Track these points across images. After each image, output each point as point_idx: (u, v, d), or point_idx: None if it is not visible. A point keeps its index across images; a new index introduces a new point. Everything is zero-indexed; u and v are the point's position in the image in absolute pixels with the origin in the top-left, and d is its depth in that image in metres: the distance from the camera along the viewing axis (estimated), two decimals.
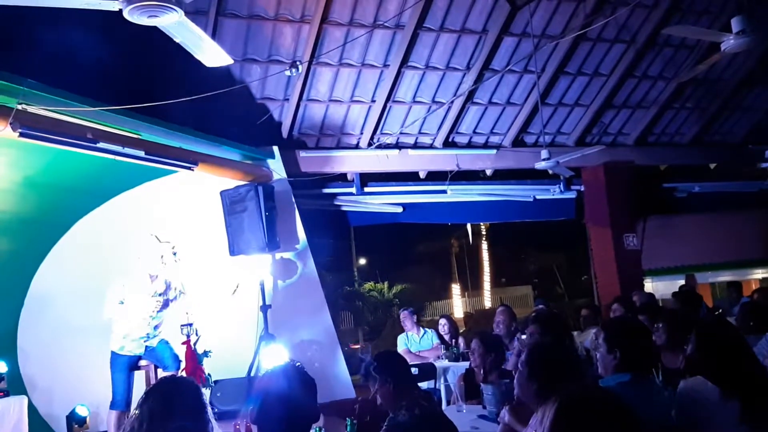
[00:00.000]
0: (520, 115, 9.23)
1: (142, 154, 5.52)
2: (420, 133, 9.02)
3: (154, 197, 6.82)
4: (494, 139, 9.49)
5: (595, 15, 7.95)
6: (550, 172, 8.85)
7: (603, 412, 1.76)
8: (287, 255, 7.41)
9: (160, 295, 5.88)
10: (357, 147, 8.78)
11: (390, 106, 8.49)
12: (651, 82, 9.48)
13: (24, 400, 5.37)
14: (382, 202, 9.32)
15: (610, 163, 9.79)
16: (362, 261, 22.07)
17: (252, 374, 6.24)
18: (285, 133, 8.27)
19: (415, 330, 7.74)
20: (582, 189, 10.19)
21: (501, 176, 9.88)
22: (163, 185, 6.79)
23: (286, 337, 6.72)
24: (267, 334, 6.54)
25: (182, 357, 5.85)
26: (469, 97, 8.77)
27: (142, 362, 5.90)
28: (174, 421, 2.22)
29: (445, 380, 6.91)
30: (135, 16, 2.97)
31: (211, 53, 3.75)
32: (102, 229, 6.58)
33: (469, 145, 9.42)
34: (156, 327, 5.91)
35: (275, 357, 6.09)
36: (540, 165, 7.76)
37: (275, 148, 7.69)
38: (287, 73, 6.93)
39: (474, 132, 9.32)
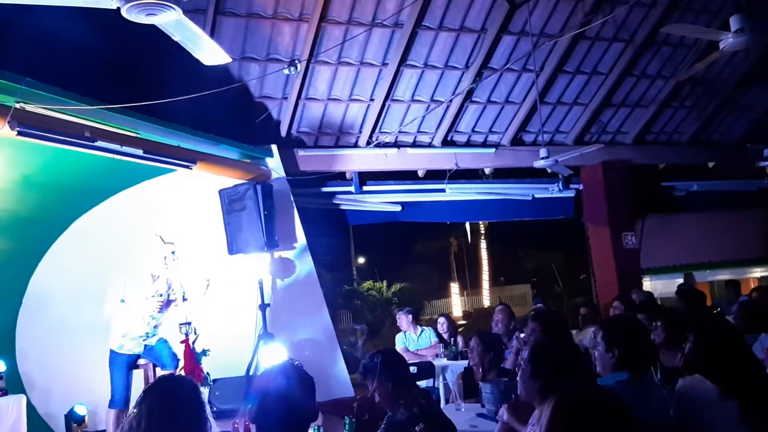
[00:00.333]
0: (519, 114, 9.23)
1: (140, 152, 5.51)
2: (419, 131, 9.02)
3: (152, 196, 6.81)
4: (493, 138, 9.49)
5: (593, 13, 7.95)
6: (549, 170, 8.85)
7: (600, 411, 1.76)
8: (286, 254, 7.40)
9: (160, 295, 5.88)
10: (356, 146, 8.78)
11: (389, 105, 8.49)
12: (649, 81, 9.49)
13: (22, 399, 5.36)
14: (381, 200, 9.32)
15: (609, 162, 9.80)
16: (361, 260, 22.07)
17: (251, 373, 6.24)
18: (284, 132, 8.26)
19: (412, 329, 7.74)
20: (580, 188, 10.19)
21: (500, 175, 9.89)
22: (161, 184, 6.78)
23: (285, 336, 6.71)
24: (266, 332, 6.53)
25: (181, 356, 5.84)
26: (468, 96, 8.77)
27: (141, 361, 5.90)
28: (172, 419, 2.22)
29: (444, 379, 6.91)
30: (133, 15, 2.97)
31: (209, 52, 3.74)
32: (100, 228, 6.57)
33: (468, 144, 9.42)
34: (155, 326, 5.91)
35: (274, 356, 6.08)
36: (539, 164, 7.76)
37: (274, 147, 7.69)
38: (286, 71, 6.94)
39: (473, 131, 9.32)
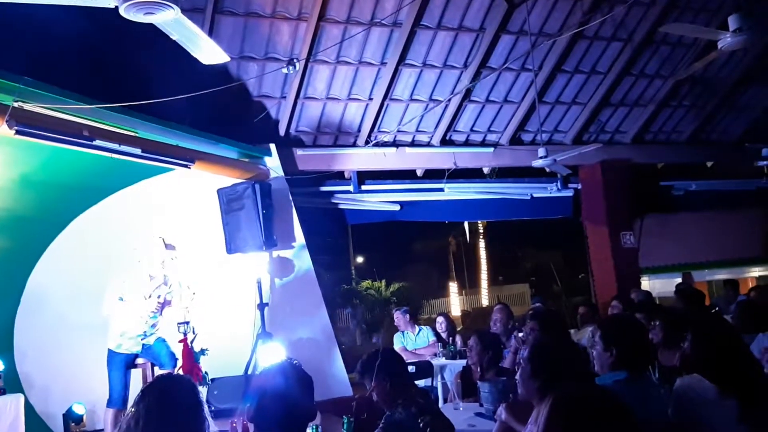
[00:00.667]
0: (518, 113, 9.23)
1: (138, 151, 5.51)
2: (417, 131, 9.02)
3: (151, 195, 6.81)
4: (491, 137, 9.49)
5: (592, 13, 7.95)
6: (548, 170, 8.85)
7: (598, 410, 1.75)
8: (284, 253, 7.40)
9: (158, 296, 5.88)
10: (354, 145, 8.77)
11: (387, 104, 8.49)
12: (648, 80, 9.49)
13: (20, 398, 5.35)
14: (380, 200, 9.31)
15: (607, 161, 9.80)
16: (360, 259, 22.07)
17: (249, 372, 6.24)
18: (282, 131, 8.26)
19: (409, 328, 7.75)
20: (579, 187, 10.19)
21: (498, 174, 9.89)
22: (159, 183, 6.78)
23: (284, 335, 6.71)
24: (264, 332, 6.53)
25: (179, 355, 5.84)
26: (467, 95, 8.76)
27: (139, 360, 5.91)
28: (170, 419, 2.22)
29: (442, 378, 6.92)
30: (131, 13, 2.97)
31: (207, 51, 3.74)
32: (99, 227, 6.56)
33: (467, 144, 9.42)
34: (153, 326, 5.91)
35: (272, 355, 6.08)
36: (537, 163, 7.75)
37: (272, 146, 7.69)
38: (284, 70, 6.94)
39: (471, 130, 9.32)
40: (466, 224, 22.76)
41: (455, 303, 23.74)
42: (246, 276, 6.99)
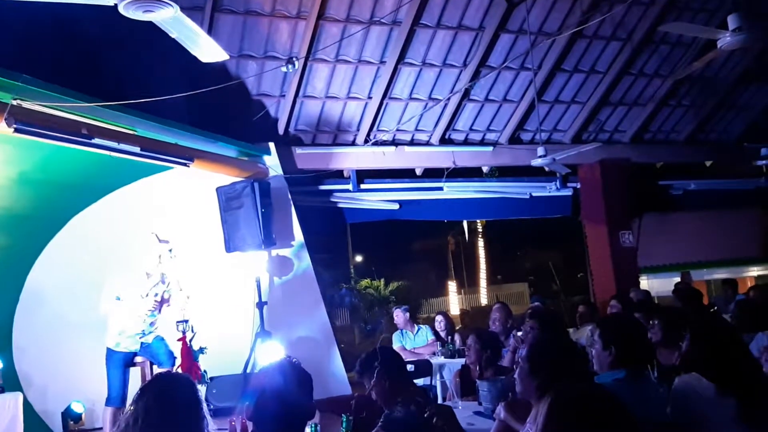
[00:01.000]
0: (517, 112, 9.23)
1: (137, 150, 5.51)
2: (417, 130, 9.02)
3: (149, 193, 6.81)
4: (491, 136, 9.49)
5: (591, 12, 7.95)
6: (547, 169, 8.85)
7: (597, 409, 1.75)
8: (283, 252, 7.40)
9: (156, 294, 5.88)
10: (353, 144, 8.77)
11: (386, 103, 8.49)
12: (647, 80, 9.49)
13: (19, 396, 5.35)
14: (379, 198, 9.31)
15: (607, 161, 9.80)
16: (359, 258, 22.05)
17: (248, 371, 6.24)
18: (281, 130, 8.25)
19: (408, 327, 7.75)
20: (578, 186, 10.19)
21: (497, 173, 9.89)
22: (158, 181, 6.78)
23: (282, 334, 6.72)
24: (263, 330, 6.54)
25: (178, 353, 5.84)
26: (466, 94, 8.76)
27: (138, 359, 5.90)
28: (169, 417, 2.21)
29: (441, 377, 6.91)
30: (130, 11, 2.97)
31: (206, 49, 3.74)
32: (97, 226, 6.56)
33: (466, 142, 9.42)
34: (152, 324, 5.91)
35: (271, 353, 6.09)
36: (536, 162, 7.76)
37: (271, 145, 7.69)
38: (283, 69, 6.94)
39: (470, 129, 9.32)
40: (465, 223, 22.73)
41: (454, 302, 23.74)
42: (245, 275, 7.00)
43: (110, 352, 5.76)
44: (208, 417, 2.32)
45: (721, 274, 11.38)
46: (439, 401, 6.08)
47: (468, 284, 25.31)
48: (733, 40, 5.14)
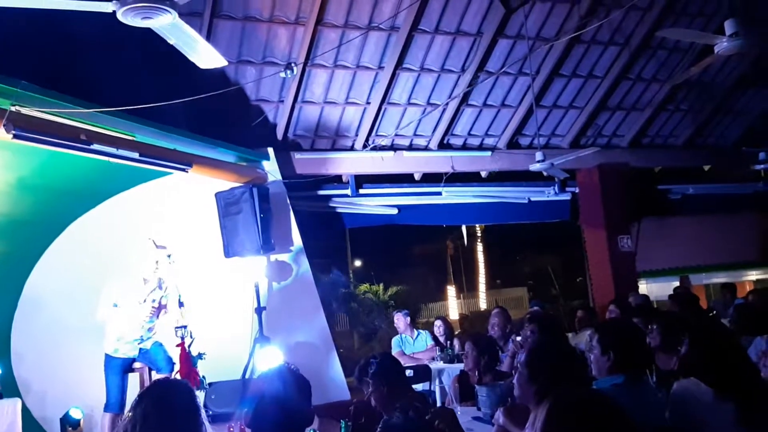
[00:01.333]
0: (515, 117, 9.25)
1: (136, 155, 5.51)
2: (415, 135, 9.03)
3: (148, 199, 6.80)
4: (489, 141, 9.50)
5: (589, 17, 7.98)
6: (545, 173, 8.85)
7: (596, 414, 1.75)
8: (282, 257, 7.39)
9: (153, 300, 5.87)
10: (352, 149, 8.78)
11: (385, 108, 8.50)
12: (645, 85, 9.52)
13: (17, 402, 5.33)
14: (378, 203, 9.31)
15: (605, 165, 9.81)
16: (357, 263, 22.03)
17: (246, 377, 6.23)
18: (280, 135, 8.26)
19: (408, 331, 7.74)
20: (576, 191, 10.20)
21: (496, 178, 9.89)
22: (157, 187, 6.77)
23: (281, 339, 6.70)
24: (261, 336, 6.52)
25: (176, 359, 5.83)
26: (464, 99, 8.78)
27: (136, 364, 5.89)
28: (168, 423, 2.21)
29: (440, 382, 6.91)
30: (129, 18, 2.98)
31: (205, 55, 3.75)
32: (96, 231, 6.55)
33: (464, 147, 9.43)
34: (150, 330, 5.90)
35: (270, 359, 6.08)
36: (535, 167, 7.77)
37: (270, 150, 7.69)
38: (282, 74, 6.95)
39: (469, 134, 9.33)
40: (463, 228, 22.73)
41: (453, 306, 23.71)
42: (243, 280, 6.99)
43: (108, 358, 5.75)
44: (206, 423, 2.32)
45: (719, 279, 11.41)
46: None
47: (467, 289, 25.28)
48: (730, 45, 5.16)
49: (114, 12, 2.95)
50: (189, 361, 5.81)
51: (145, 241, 5.91)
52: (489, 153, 9.42)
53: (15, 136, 4.54)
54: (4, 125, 4.45)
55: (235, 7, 6.98)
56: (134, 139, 5.69)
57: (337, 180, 9.02)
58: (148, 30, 3.19)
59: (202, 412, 2.32)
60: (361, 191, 9.14)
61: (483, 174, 9.74)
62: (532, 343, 3.69)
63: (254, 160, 7.49)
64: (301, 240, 7.54)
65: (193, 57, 3.72)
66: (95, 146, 5.13)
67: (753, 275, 12.28)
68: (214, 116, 6.92)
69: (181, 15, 3.11)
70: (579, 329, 7.22)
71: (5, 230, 5.99)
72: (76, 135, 5.02)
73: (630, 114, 9.87)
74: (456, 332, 8.49)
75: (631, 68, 9.15)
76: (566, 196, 10.29)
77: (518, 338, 5.24)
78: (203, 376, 5.96)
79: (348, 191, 9.05)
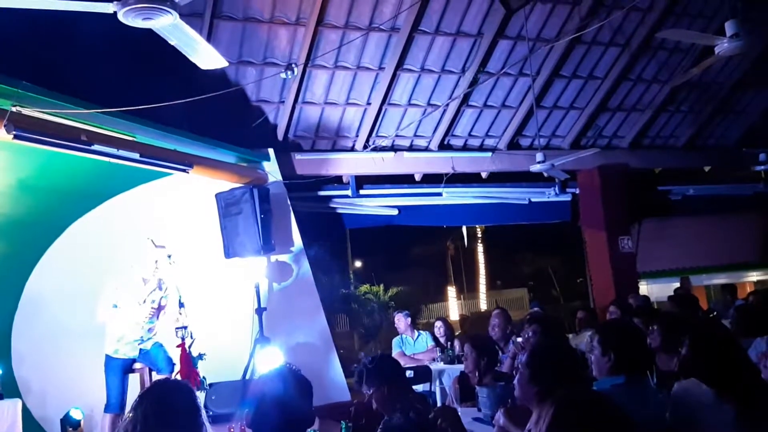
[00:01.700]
0: (516, 118, 9.25)
1: (136, 156, 5.51)
2: (415, 135, 9.03)
3: (149, 200, 6.80)
4: (489, 142, 9.50)
5: (589, 18, 7.98)
6: (545, 174, 8.85)
7: (599, 415, 1.76)
8: (282, 257, 7.39)
9: (153, 301, 5.87)
10: (352, 149, 8.78)
11: (385, 109, 8.50)
12: (645, 86, 9.52)
13: (18, 403, 5.34)
14: (378, 204, 9.31)
15: (605, 166, 9.81)
16: (358, 264, 22.04)
17: (247, 377, 6.23)
18: (280, 136, 8.26)
19: (409, 332, 7.73)
20: (577, 192, 10.21)
21: (496, 179, 9.89)
22: (158, 188, 6.77)
23: (281, 340, 6.70)
24: (262, 336, 6.52)
25: (177, 360, 5.83)
26: (465, 100, 8.78)
27: (137, 365, 5.89)
28: (168, 424, 2.21)
29: (441, 383, 6.90)
30: (130, 19, 2.98)
31: (206, 55, 3.75)
32: (97, 232, 6.55)
33: (465, 148, 9.43)
34: (150, 330, 5.90)
35: (270, 360, 6.08)
36: (535, 168, 7.77)
37: (270, 151, 7.69)
38: (282, 75, 6.94)
39: (469, 135, 9.33)
40: (464, 229, 22.74)
41: (453, 307, 23.72)
42: (244, 280, 6.98)
43: (109, 359, 5.75)
44: (207, 423, 2.32)
45: (720, 280, 11.41)
46: None
47: (467, 290, 25.29)
48: (730, 46, 5.16)
49: (115, 13, 2.95)
50: (189, 361, 5.81)
51: (144, 242, 5.91)
52: (489, 154, 9.42)
53: (15, 137, 4.54)
54: (4, 126, 4.45)
55: (235, 7, 6.98)
56: (135, 139, 5.69)
57: (337, 181, 9.02)
58: (149, 31, 3.19)
59: (203, 412, 2.32)
60: (362, 192, 9.15)
61: (483, 175, 9.75)
62: (533, 344, 3.69)
63: (255, 160, 7.49)
64: (302, 241, 7.54)
65: (193, 58, 3.72)
66: (96, 147, 5.12)
67: (753, 276, 12.28)
68: (214, 117, 6.92)
69: (181, 16, 3.11)
70: (579, 330, 7.22)
71: (6, 231, 5.99)
72: (77, 135, 5.02)
73: (630, 115, 9.88)
74: (456, 333, 8.48)
75: (631, 69, 9.15)
76: (567, 197, 10.29)
77: (519, 339, 5.24)
78: (203, 377, 5.96)
79: (348, 192, 9.05)
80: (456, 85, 8.53)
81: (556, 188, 10.11)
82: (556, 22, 8.22)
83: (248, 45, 7.33)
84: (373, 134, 8.70)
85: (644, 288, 10.66)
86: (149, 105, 5.13)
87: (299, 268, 7.47)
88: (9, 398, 5.44)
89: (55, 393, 6.20)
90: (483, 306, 23.80)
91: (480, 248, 24.77)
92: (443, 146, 9.23)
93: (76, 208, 6.54)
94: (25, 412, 5.57)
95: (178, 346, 5.83)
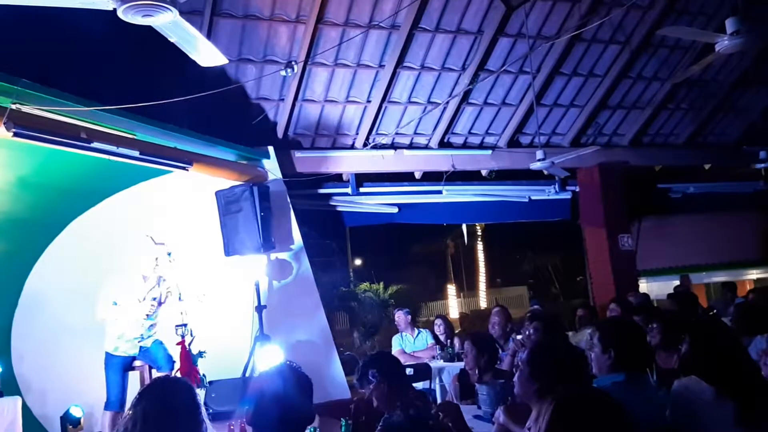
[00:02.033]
0: (516, 116, 9.24)
1: (136, 154, 5.51)
2: (415, 133, 9.02)
3: (148, 197, 6.80)
4: (489, 140, 9.50)
5: (590, 16, 7.97)
6: (546, 172, 8.86)
7: (599, 413, 1.76)
8: (282, 255, 7.39)
9: (153, 299, 5.87)
10: (352, 147, 8.78)
11: (385, 107, 8.49)
12: (646, 83, 9.51)
13: (18, 400, 5.34)
14: (378, 202, 9.31)
15: (605, 164, 9.81)
16: (358, 261, 22.03)
17: (247, 375, 6.23)
18: (280, 134, 8.26)
19: (409, 330, 7.73)
20: (577, 189, 10.20)
21: (496, 177, 9.89)
22: (157, 185, 6.77)
23: (281, 338, 6.71)
24: (262, 334, 6.53)
25: (177, 357, 5.83)
26: (465, 98, 8.77)
27: (137, 363, 5.89)
28: (168, 421, 2.21)
29: (441, 380, 6.90)
30: (129, 16, 2.97)
31: (206, 53, 3.74)
32: (96, 230, 6.55)
33: (465, 146, 9.42)
34: (150, 327, 5.90)
35: (270, 357, 6.08)
36: (535, 165, 7.77)
37: (270, 149, 7.69)
38: (282, 73, 6.94)
39: (469, 132, 9.33)
40: (464, 227, 22.74)
41: (453, 305, 23.71)
42: (244, 278, 6.98)
43: (109, 357, 5.75)
44: (207, 421, 2.32)
45: (720, 278, 11.40)
46: None
47: (467, 287, 25.28)
48: (731, 43, 5.15)
49: (115, 10, 2.94)
50: (189, 359, 5.81)
51: (144, 239, 5.91)
52: (489, 152, 9.42)
53: (15, 135, 4.54)
54: (4, 123, 4.45)
55: (235, 5, 6.98)
56: (134, 137, 5.69)
57: (337, 178, 9.02)
58: (149, 28, 3.18)
59: (203, 410, 2.32)
60: (362, 190, 9.15)
61: (483, 173, 9.75)
62: (534, 341, 3.69)
63: (255, 158, 7.49)
64: (302, 238, 7.54)
65: (193, 55, 3.72)
66: (95, 144, 5.12)
67: (753, 274, 12.27)
68: (214, 114, 6.91)
69: (181, 13, 3.10)
70: (579, 328, 7.22)
71: (6, 229, 5.99)
72: (77, 133, 5.02)
73: (630, 113, 9.87)
74: (456, 331, 8.48)
75: (631, 67, 9.15)
76: (567, 195, 10.29)
77: (519, 337, 5.24)
78: (203, 375, 5.96)
79: (348, 190, 9.05)
80: (456, 83, 8.52)
81: (556, 186, 10.11)
82: (557, 20, 8.21)
83: (248, 42, 7.33)
84: (373, 132, 8.70)
85: (644, 286, 10.66)
86: (149, 102, 5.12)
87: (299, 265, 7.47)
88: (9, 396, 5.44)
89: (55, 391, 6.20)
90: (483, 304, 23.80)
91: (480, 246, 24.76)
92: (443, 144, 9.23)
93: (76, 206, 6.55)
94: (25, 409, 5.57)
95: (178, 344, 5.83)
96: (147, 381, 5.79)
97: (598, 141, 9.90)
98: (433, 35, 7.92)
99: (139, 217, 6.63)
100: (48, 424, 6.15)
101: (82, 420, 5.89)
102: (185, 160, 6.11)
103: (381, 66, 8.02)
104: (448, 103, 8.66)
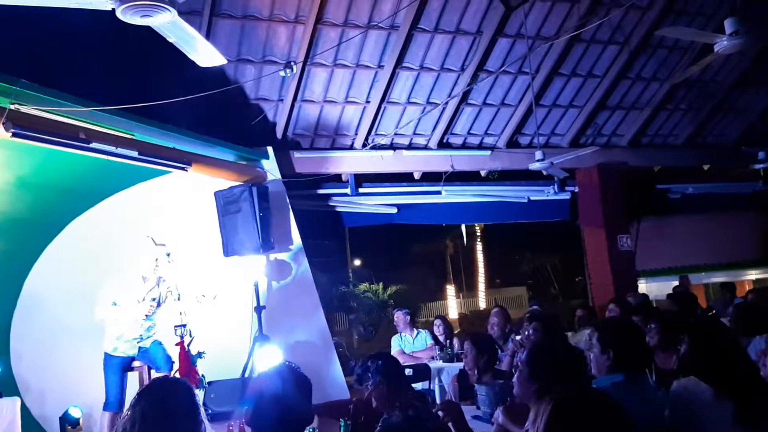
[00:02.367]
0: (515, 116, 9.25)
1: (135, 154, 5.50)
2: (414, 134, 9.03)
3: (147, 198, 6.80)
4: (489, 140, 9.50)
5: (589, 16, 7.98)
6: (545, 173, 8.86)
7: (597, 413, 1.76)
8: (281, 256, 7.39)
9: (153, 299, 5.87)
10: (351, 148, 8.78)
11: (384, 107, 8.49)
12: (645, 84, 9.52)
13: (17, 401, 5.34)
14: (377, 203, 9.31)
15: (604, 165, 9.81)
16: (357, 262, 22.04)
17: (246, 375, 6.23)
18: (279, 134, 8.26)
19: (408, 330, 7.74)
20: (576, 190, 10.21)
21: (496, 177, 9.89)
22: (156, 186, 6.76)
23: (280, 338, 6.70)
24: (261, 335, 6.52)
25: (176, 358, 5.83)
26: (464, 98, 8.77)
27: (136, 363, 5.89)
28: (167, 422, 2.21)
29: (440, 381, 6.91)
30: (128, 16, 2.97)
31: (204, 53, 3.74)
32: (96, 230, 6.55)
33: (464, 146, 9.43)
34: (149, 328, 5.90)
35: (269, 358, 6.08)
36: (534, 166, 7.77)
37: (269, 149, 7.68)
38: (281, 73, 6.95)
39: (468, 133, 9.33)
40: (463, 227, 22.74)
41: (452, 306, 23.73)
42: (243, 279, 6.98)
43: (108, 357, 5.75)
44: (205, 422, 2.32)
45: (719, 278, 11.40)
46: None
47: (466, 288, 25.30)
48: (730, 43, 5.16)
49: (113, 10, 2.94)
50: (188, 359, 5.81)
51: (144, 240, 5.91)
52: (488, 152, 9.42)
53: (14, 135, 4.53)
54: (3, 123, 4.44)
55: (234, 5, 6.97)
56: (133, 137, 5.68)
57: (336, 179, 9.02)
58: (148, 28, 3.18)
59: (201, 410, 2.32)
60: (361, 190, 9.15)
61: (483, 173, 9.75)
62: (533, 341, 3.69)
63: (254, 158, 7.48)
64: (301, 239, 7.53)
65: (192, 55, 3.72)
66: (94, 145, 5.12)
67: (752, 274, 12.27)
68: (213, 115, 6.91)
69: (180, 13, 3.10)
70: (578, 328, 7.22)
71: (4, 229, 5.99)
72: (75, 133, 5.01)
73: (629, 113, 9.87)
74: (455, 331, 8.48)
75: (630, 67, 9.15)
76: (566, 196, 10.29)
77: (518, 337, 5.24)
78: (202, 375, 5.96)
79: (347, 190, 9.05)
80: (455, 83, 8.52)
81: (555, 186, 10.11)
82: (556, 20, 8.21)
83: (247, 43, 7.32)
84: (372, 132, 8.70)
85: (643, 286, 10.66)
86: (148, 103, 5.12)
87: (298, 266, 7.46)
88: (8, 396, 5.44)
89: (54, 391, 6.20)
90: (482, 304, 23.82)
91: (479, 246, 24.78)
92: (442, 144, 9.23)
93: (75, 206, 6.54)
94: (24, 410, 5.57)
95: (177, 344, 5.83)
96: (146, 381, 5.78)
97: (597, 141, 9.91)
98: (432, 36, 7.92)
99: (138, 217, 6.62)
100: (47, 425, 6.14)
101: (80, 420, 5.89)
102: (184, 160, 6.11)
103: (380, 66, 8.02)
104: (447, 103, 8.66)
